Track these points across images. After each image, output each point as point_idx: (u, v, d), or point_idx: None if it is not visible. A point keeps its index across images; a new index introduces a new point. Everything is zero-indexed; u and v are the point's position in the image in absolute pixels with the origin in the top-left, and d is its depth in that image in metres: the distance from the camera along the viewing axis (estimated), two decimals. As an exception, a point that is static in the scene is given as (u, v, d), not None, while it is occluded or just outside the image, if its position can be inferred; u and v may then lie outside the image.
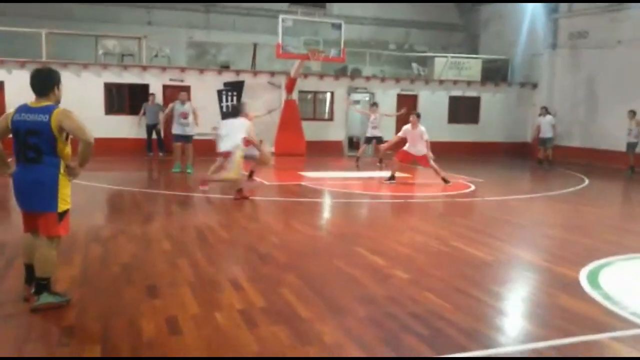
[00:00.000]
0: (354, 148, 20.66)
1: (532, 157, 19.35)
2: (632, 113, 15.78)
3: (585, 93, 18.94)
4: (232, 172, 9.45)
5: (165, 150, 16.79)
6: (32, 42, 16.61)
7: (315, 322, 4.19)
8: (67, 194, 4.30)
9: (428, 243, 6.81)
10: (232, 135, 9.55)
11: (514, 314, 4.56)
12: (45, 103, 4.16)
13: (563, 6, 19.66)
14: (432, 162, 11.87)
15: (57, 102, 4.26)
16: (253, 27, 20.49)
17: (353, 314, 4.37)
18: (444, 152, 19.16)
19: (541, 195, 11.29)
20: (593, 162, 17.60)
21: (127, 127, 17.18)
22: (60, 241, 4.46)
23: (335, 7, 22.16)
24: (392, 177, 12.00)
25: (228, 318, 4.19)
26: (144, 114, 16.72)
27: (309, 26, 18.20)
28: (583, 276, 5.45)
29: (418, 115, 12.00)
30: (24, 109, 4.14)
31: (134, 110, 17.27)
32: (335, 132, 19.65)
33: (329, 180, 12.57)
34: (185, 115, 12.62)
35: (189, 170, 12.78)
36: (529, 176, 15.86)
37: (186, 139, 12.79)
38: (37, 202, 4.16)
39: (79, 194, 9.82)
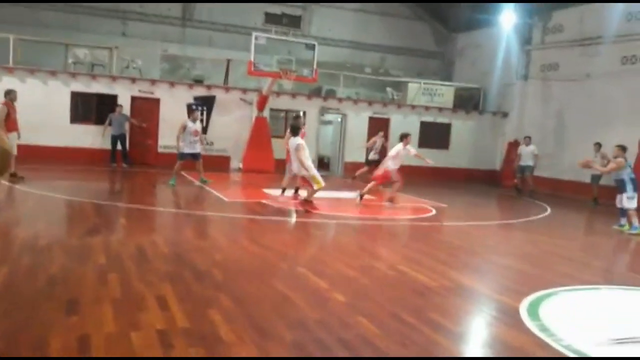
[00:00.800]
0: (323, 168, 20.63)
1: (500, 184, 19.49)
2: (598, 145, 15.93)
3: (555, 124, 19.17)
4: (316, 183, 10.23)
5: (129, 162, 16.52)
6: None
7: (236, 345, 4.01)
8: None
9: (375, 266, 6.68)
10: (293, 159, 10.58)
11: (444, 342, 4.40)
12: None
13: (536, 38, 19.98)
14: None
15: None
16: (229, 44, 20.41)
17: (278, 338, 4.21)
18: (413, 176, 19.25)
19: (501, 223, 11.29)
20: (559, 192, 17.73)
21: (92, 136, 16.86)
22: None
23: (313, 28, 22.26)
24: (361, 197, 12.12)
25: (143, 338, 3.98)
26: (110, 124, 16.45)
27: (284, 45, 18.20)
28: (523, 306, 5.36)
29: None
30: None
31: (100, 120, 16.99)
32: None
33: (293, 199, 12.40)
34: (196, 133, 12.92)
35: (205, 181, 13.06)
36: (493, 203, 15.91)
37: (195, 156, 12.99)
38: None
39: (28, 203, 9.57)
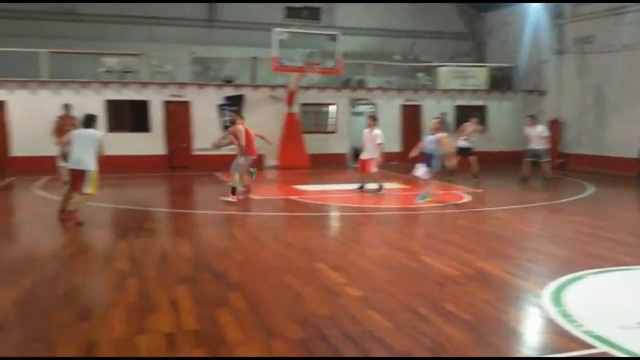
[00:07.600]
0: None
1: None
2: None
3: (594, 98, 18.46)
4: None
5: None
6: (32, 61, 16.75)
7: (240, 345, 4.00)
8: None
9: (395, 258, 6.56)
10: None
11: (454, 333, 4.25)
12: None
13: (567, 11, 19.24)
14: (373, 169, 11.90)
15: None
16: (254, 42, 20.43)
17: (284, 336, 4.17)
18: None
19: (535, 205, 10.90)
20: (603, 169, 17.00)
21: (128, 144, 17.08)
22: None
23: (337, 19, 22.07)
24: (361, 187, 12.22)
25: (150, 342, 4.02)
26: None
27: (308, 39, 18.10)
28: (547, 292, 5.16)
29: (374, 118, 12.53)
30: None
31: (134, 127, 17.39)
32: (339, 145, 19.44)
33: (323, 194, 12.33)
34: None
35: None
36: (531, 186, 15.34)
37: None
38: None
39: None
